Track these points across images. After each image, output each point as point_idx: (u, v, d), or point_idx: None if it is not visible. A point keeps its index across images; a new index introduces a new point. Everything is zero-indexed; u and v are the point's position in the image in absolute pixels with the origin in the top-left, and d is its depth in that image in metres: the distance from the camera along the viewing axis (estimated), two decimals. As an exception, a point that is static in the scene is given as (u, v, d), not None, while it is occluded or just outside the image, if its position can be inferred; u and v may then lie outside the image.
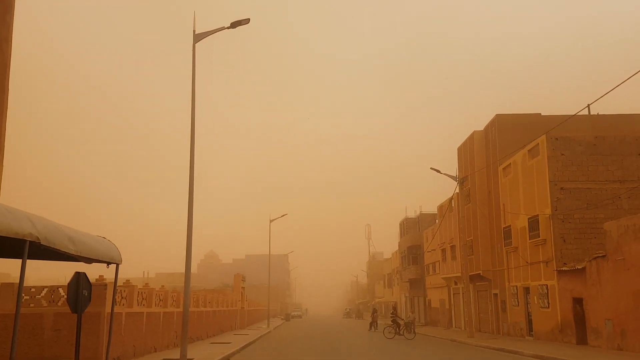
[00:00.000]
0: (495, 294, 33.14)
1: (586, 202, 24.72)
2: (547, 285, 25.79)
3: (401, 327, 31.37)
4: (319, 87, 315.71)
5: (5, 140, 10.98)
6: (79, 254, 7.05)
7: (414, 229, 57.07)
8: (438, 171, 32.16)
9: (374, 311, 44.68)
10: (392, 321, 32.10)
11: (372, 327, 41.37)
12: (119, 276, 9.13)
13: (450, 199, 40.89)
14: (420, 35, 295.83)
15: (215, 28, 16.65)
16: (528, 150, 27.74)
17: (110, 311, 13.93)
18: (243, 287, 47.27)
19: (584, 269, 22.56)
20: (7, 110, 10.81)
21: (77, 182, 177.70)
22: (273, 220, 49.55)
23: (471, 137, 36.11)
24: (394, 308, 34.75)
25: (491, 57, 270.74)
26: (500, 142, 31.84)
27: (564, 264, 24.45)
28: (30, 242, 5.88)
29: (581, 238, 24.68)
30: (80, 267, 8.59)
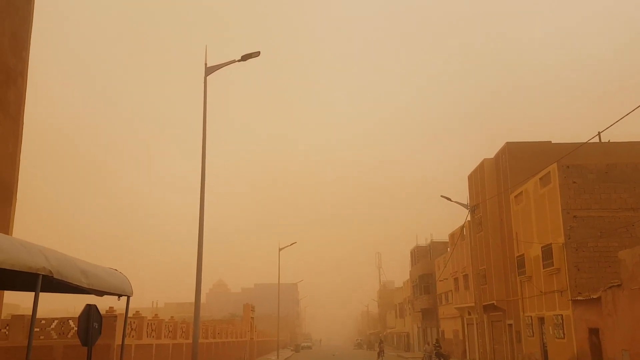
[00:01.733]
0: (510, 325, 32.56)
1: (599, 230, 24.43)
2: (562, 315, 25.33)
3: None
4: (329, 116, 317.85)
5: (20, 171, 11.13)
6: (90, 287, 7.05)
7: (425, 258, 56.55)
8: (449, 199, 32.03)
9: (381, 342, 48.74)
10: (436, 354, 31.40)
11: (380, 357, 43.99)
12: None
13: (462, 227, 40.59)
14: (431, 65, 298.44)
15: (226, 61, 16.91)
16: (539, 179, 27.59)
17: (120, 343, 13.84)
18: (252, 318, 46.86)
19: (599, 298, 22.16)
20: (21, 143, 11.00)
21: (87, 213, 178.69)
22: (282, 248, 49.40)
23: (481, 165, 36.02)
24: (438, 340, 34.29)
25: (501, 85, 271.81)
26: (511, 170, 31.72)
27: (579, 293, 24.04)
28: (43, 275, 5.90)
29: (595, 267, 24.31)
30: (92, 299, 8.58)
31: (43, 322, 15.03)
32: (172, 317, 23.63)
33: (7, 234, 10.97)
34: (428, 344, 48.02)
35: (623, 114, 17.69)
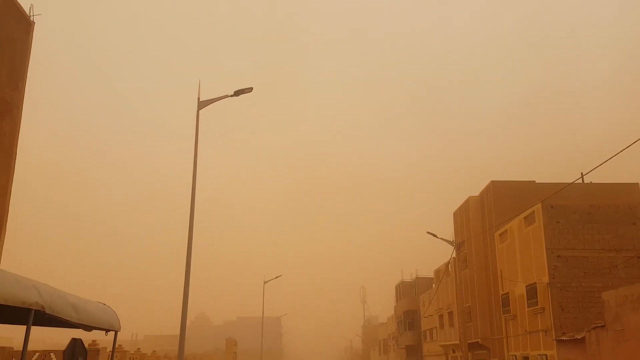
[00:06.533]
0: (494, 363, 32.42)
1: (583, 270, 24.69)
2: (546, 355, 25.33)
3: None
4: (317, 154, 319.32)
5: (10, 202, 11.10)
6: (80, 322, 7.05)
7: (410, 293, 56.36)
8: (435, 235, 32.25)
9: None
10: None
11: None
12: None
13: (447, 264, 40.69)
14: (417, 100, 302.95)
15: (219, 96, 17.18)
16: (524, 218, 27.93)
17: (102, 378, 13.59)
18: (235, 352, 46.14)
19: (583, 339, 22.25)
20: (13, 174, 11.02)
21: (72, 235, 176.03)
22: (267, 281, 49.03)
23: (467, 203, 36.40)
24: None
25: (486, 123, 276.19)
26: (496, 208, 32.09)
27: (563, 333, 24.12)
28: (35, 310, 5.92)
29: (580, 307, 24.47)
30: (79, 332, 8.53)
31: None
32: (154, 351, 23.27)
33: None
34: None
35: (606, 157, 18.15)
